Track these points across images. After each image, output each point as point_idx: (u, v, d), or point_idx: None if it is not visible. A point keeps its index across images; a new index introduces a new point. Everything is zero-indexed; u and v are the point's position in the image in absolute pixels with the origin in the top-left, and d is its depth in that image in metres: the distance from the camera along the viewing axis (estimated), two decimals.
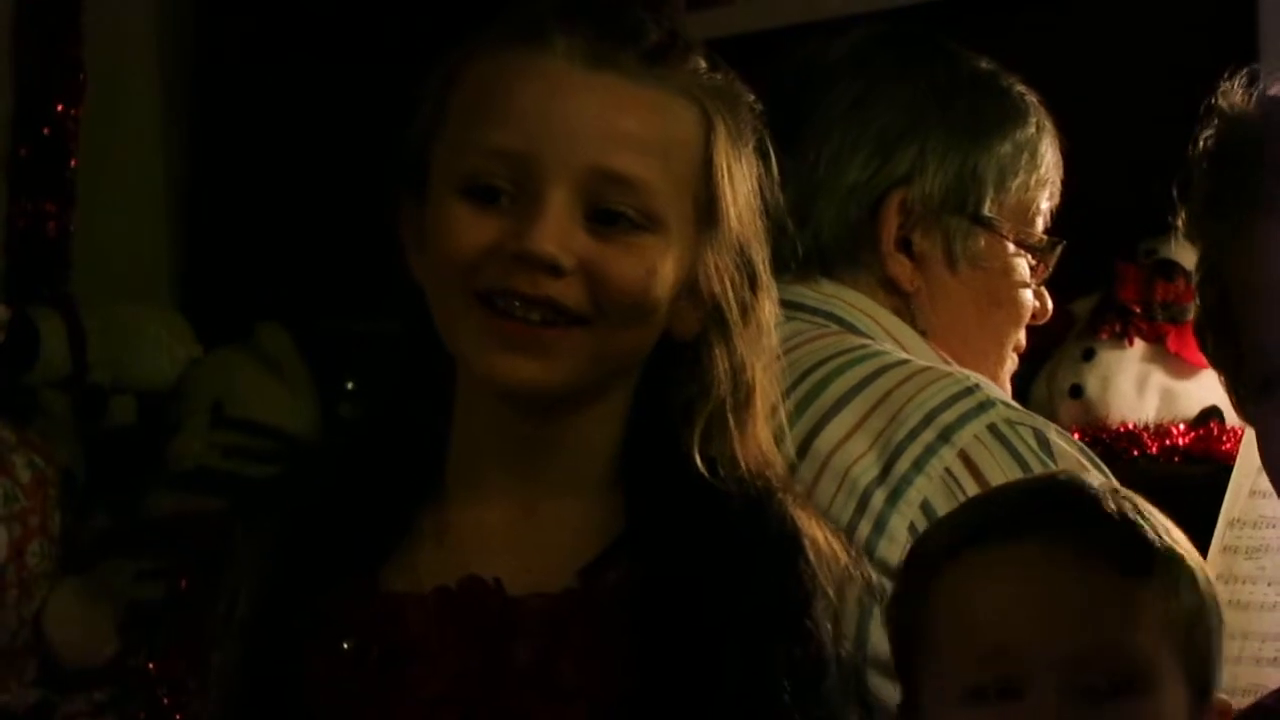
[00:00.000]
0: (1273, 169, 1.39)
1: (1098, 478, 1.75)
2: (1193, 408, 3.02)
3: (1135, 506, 1.68)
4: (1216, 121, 1.44)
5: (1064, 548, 1.63)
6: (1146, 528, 1.66)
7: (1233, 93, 1.43)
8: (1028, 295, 2.42)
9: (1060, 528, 1.64)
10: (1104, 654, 1.60)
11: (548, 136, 1.72)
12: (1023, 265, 2.40)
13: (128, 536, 3.96)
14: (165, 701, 3.32)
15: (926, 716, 1.66)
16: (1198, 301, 1.48)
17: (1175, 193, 1.47)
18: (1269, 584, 2.61)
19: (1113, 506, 1.66)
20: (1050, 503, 1.69)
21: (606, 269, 1.71)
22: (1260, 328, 1.39)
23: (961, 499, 1.94)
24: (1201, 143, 1.45)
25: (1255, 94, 1.42)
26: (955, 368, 2.23)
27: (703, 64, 1.81)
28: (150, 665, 3.38)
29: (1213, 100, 1.44)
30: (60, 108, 4.58)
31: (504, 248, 1.70)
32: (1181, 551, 1.67)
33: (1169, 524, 1.70)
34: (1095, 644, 1.60)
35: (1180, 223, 1.48)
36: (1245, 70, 1.45)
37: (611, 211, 1.72)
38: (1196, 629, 1.65)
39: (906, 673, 1.69)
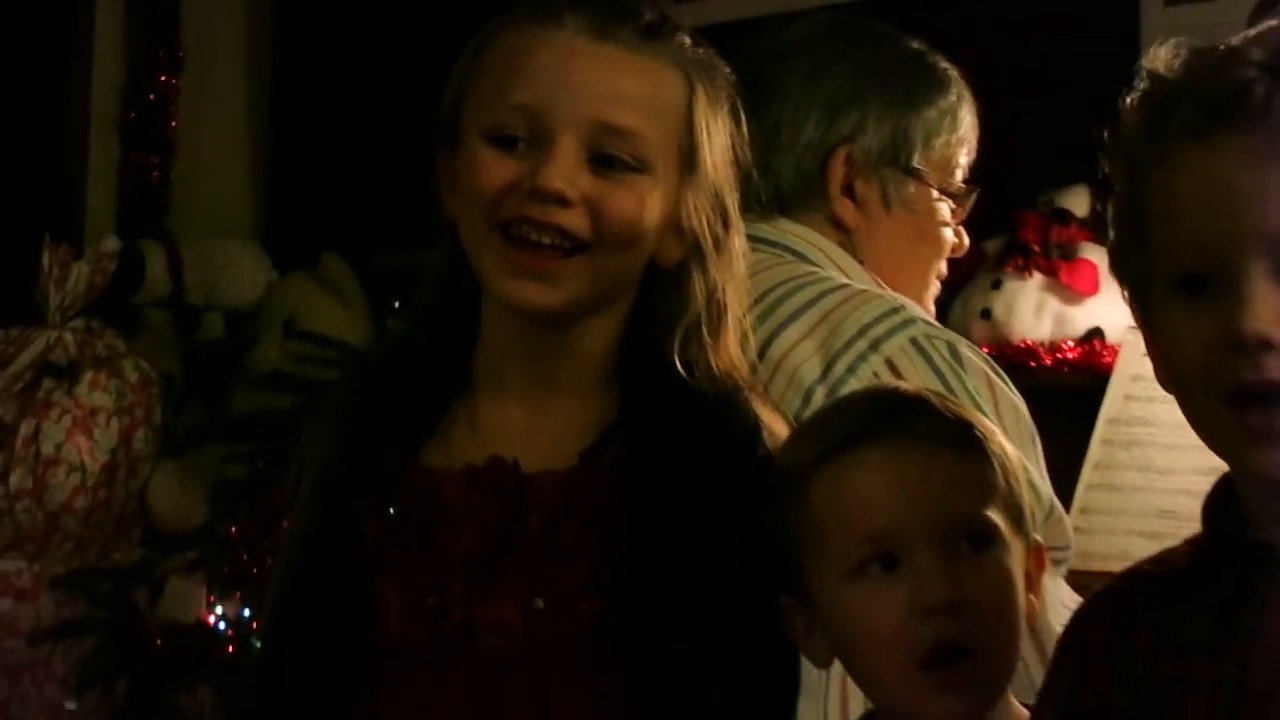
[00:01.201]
0: (1190, 106, 1.36)
1: (910, 386, 1.79)
2: (1080, 328, 3.03)
3: (956, 404, 1.72)
4: (1145, 75, 1.41)
5: (914, 440, 1.63)
6: (961, 415, 1.68)
7: (1157, 54, 1.40)
8: (948, 233, 2.42)
9: (908, 425, 1.65)
10: (963, 517, 1.61)
11: (559, 94, 1.72)
12: (944, 209, 2.40)
13: (216, 428, 3.97)
14: (244, 559, 3.33)
15: (816, 601, 1.65)
16: (1113, 225, 1.46)
17: (1105, 134, 1.44)
18: (1138, 470, 2.61)
19: (938, 404, 1.68)
20: (897, 408, 1.69)
21: (605, 202, 1.71)
22: (1178, 233, 1.36)
23: None
24: (1132, 92, 1.42)
25: (1180, 53, 1.40)
26: (886, 291, 2.24)
27: (687, 40, 1.81)
28: (232, 531, 3.38)
29: (1140, 63, 1.42)
30: (162, 78, 4.60)
31: (522, 184, 1.69)
32: (989, 430, 1.69)
33: (971, 410, 1.75)
34: (956, 510, 1.61)
35: (1108, 158, 1.43)
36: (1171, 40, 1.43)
37: (610, 156, 1.72)
38: (1011, 488, 1.66)
39: (791, 569, 1.67)
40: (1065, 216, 3.02)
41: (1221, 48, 1.40)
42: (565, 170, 1.69)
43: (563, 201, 1.69)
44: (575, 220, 1.70)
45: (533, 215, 1.69)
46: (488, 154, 1.73)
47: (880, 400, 1.75)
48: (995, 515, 1.62)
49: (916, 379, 2.03)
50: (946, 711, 1.60)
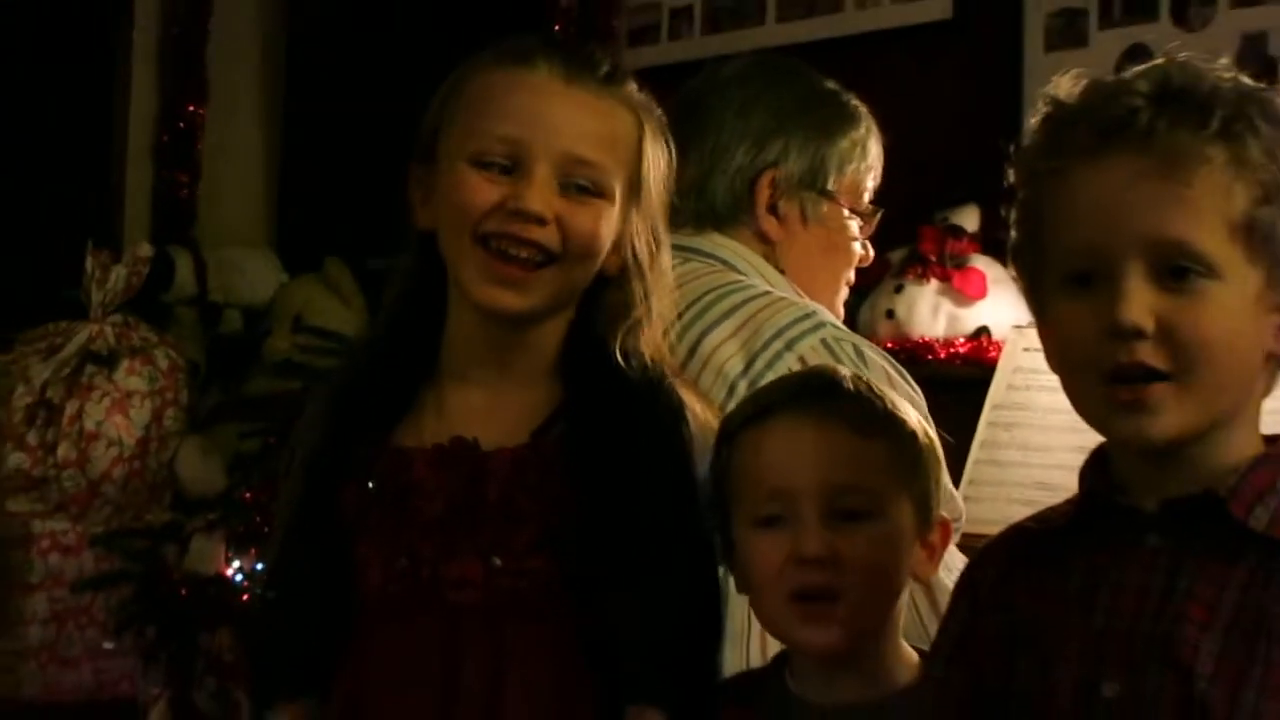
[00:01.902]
0: (1085, 128, 1.37)
1: (848, 371, 1.74)
2: (969, 327, 3.03)
3: (870, 388, 1.69)
4: (1049, 100, 1.43)
5: (816, 417, 1.63)
6: (876, 401, 1.66)
7: (1060, 83, 1.41)
8: (857, 246, 2.41)
9: (813, 404, 1.65)
10: (846, 487, 1.60)
11: (536, 130, 1.72)
12: (854, 225, 2.39)
13: (234, 408, 3.95)
14: (258, 520, 3.32)
15: (736, 542, 1.66)
16: (1014, 227, 1.46)
17: (1011, 151, 1.45)
18: (1018, 449, 2.63)
19: (851, 388, 1.67)
20: (808, 388, 1.70)
21: (572, 220, 1.71)
22: (1069, 236, 1.37)
23: None
24: (1035, 118, 1.43)
25: (1079, 83, 1.40)
26: (802, 298, 2.23)
27: (635, 86, 1.82)
28: (248, 496, 3.37)
29: (1044, 90, 1.43)
30: (190, 108, 4.60)
31: (505, 204, 1.70)
32: (905, 417, 1.67)
33: (899, 400, 1.71)
34: (839, 480, 1.60)
35: (1011, 173, 1.45)
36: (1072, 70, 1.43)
37: (577, 183, 1.73)
38: (919, 468, 1.65)
39: (723, 514, 1.68)
40: (958, 231, 3.02)
41: (1113, 79, 1.41)
42: (542, 194, 1.70)
43: (540, 221, 1.69)
44: (548, 236, 1.70)
45: (513, 231, 1.69)
46: (473, 177, 1.72)
47: (799, 380, 1.76)
48: (882, 488, 1.62)
49: None
50: (811, 639, 1.60)
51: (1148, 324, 1.32)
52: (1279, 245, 1.34)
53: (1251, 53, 3.10)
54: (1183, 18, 3.22)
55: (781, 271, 2.29)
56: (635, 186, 1.78)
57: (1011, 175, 1.45)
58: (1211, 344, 1.32)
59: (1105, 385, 1.34)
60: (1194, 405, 1.33)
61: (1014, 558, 1.48)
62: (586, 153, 1.73)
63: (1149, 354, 1.32)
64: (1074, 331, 1.37)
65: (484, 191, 1.71)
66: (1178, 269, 1.32)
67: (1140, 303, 1.32)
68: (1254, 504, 1.34)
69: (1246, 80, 1.38)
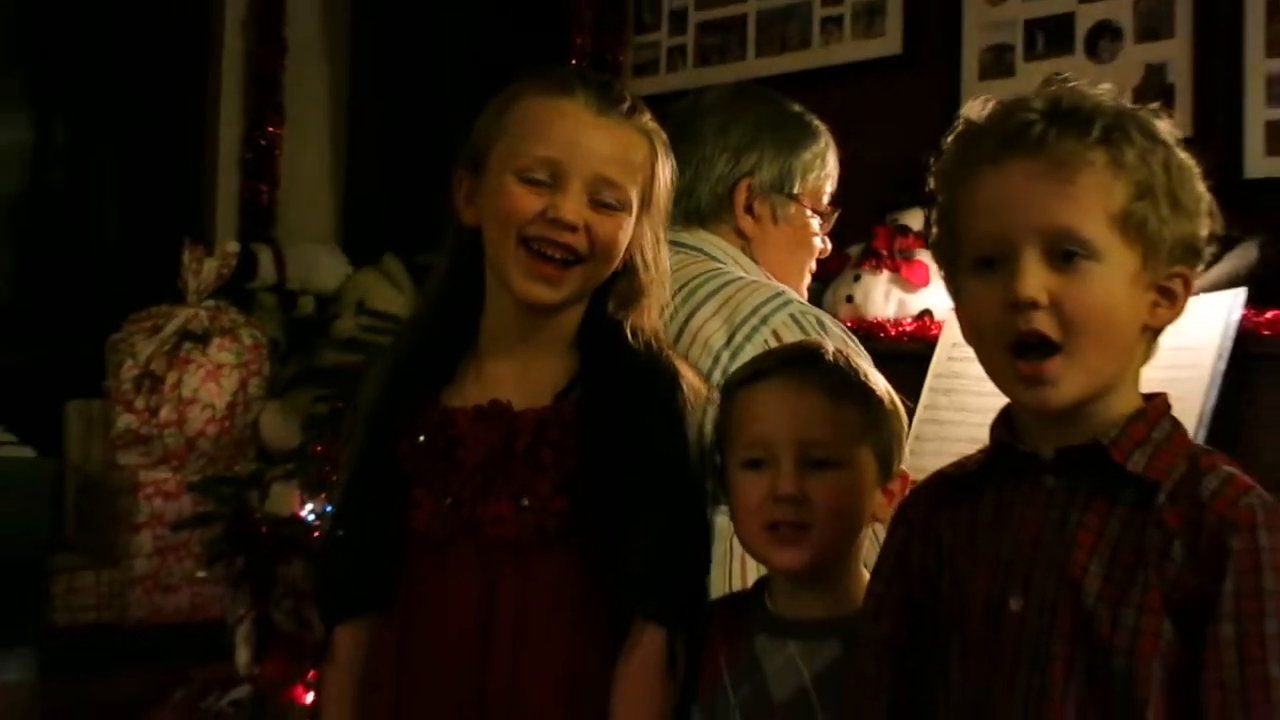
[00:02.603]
0: (989, 140, 1.39)
1: (831, 344, 1.74)
2: (915, 309, 3.04)
3: (847, 361, 1.69)
4: (962, 119, 1.44)
5: (795, 381, 1.65)
6: (850, 372, 1.66)
7: (972, 105, 1.43)
8: (818, 241, 2.42)
9: (795, 371, 1.66)
10: (816, 441, 1.62)
11: (573, 153, 1.73)
12: (815, 223, 2.40)
13: (307, 377, 3.93)
14: (327, 470, 3.31)
15: (728, 480, 1.68)
16: (935, 224, 1.47)
17: (931, 162, 1.46)
18: (955, 410, 2.61)
19: (830, 360, 1.67)
20: (794, 357, 1.71)
21: (598, 229, 1.72)
22: (977, 228, 1.39)
23: None
24: (950, 135, 1.45)
25: (987, 104, 1.42)
26: (772, 282, 2.23)
27: (649, 115, 1.82)
28: (318, 450, 3.36)
29: (958, 113, 1.45)
30: (269, 129, 4.58)
31: (545, 213, 1.70)
32: (873, 386, 1.67)
33: (872, 371, 1.71)
34: (811, 435, 1.62)
35: (931, 180, 1.47)
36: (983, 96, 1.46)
37: (605, 201, 1.74)
38: (883, 428, 1.66)
39: (721, 455, 1.70)
40: (905, 230, 3.02)
41: (1013, 99, 1.42)
42: (576, 207, 1.70)
43: (572, 228, 1.70)
44: (579, 241, 1.71)
45: (551, 236, 1.70)
46: (518, 188, 1.72)
47: (788, 351, 1.77)
48: (850, 438, 1.62)
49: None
50: (782, 560, 1.62)
51: (1042, 298, 1.33)
52: (1151, 233, 1.36)
53: (1153, 80, 3.11)
54: (1094, 51, 3.22)
55: (756, 261, 2.30)
56: (647, 200, 1.78)
57: (932, 182, 1.47)
58: (1094, 314, 1.34)
59: (1010, 357, 1.36)
60: (1083, 374, 1.35)
61: (939, 497, 1.49)
62: (612, 174, 1.73)
63: (1042, 323, 1.34)
64: (982, 306, 1.38)
65: (528, 201, 1.71)
66: (1066, 253, 1.34)
67: (1035, 280, 1.34)
68: (1132, 451, 1.36)
69: (1125, 102, 1.40)
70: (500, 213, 1.74)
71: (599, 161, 1.73)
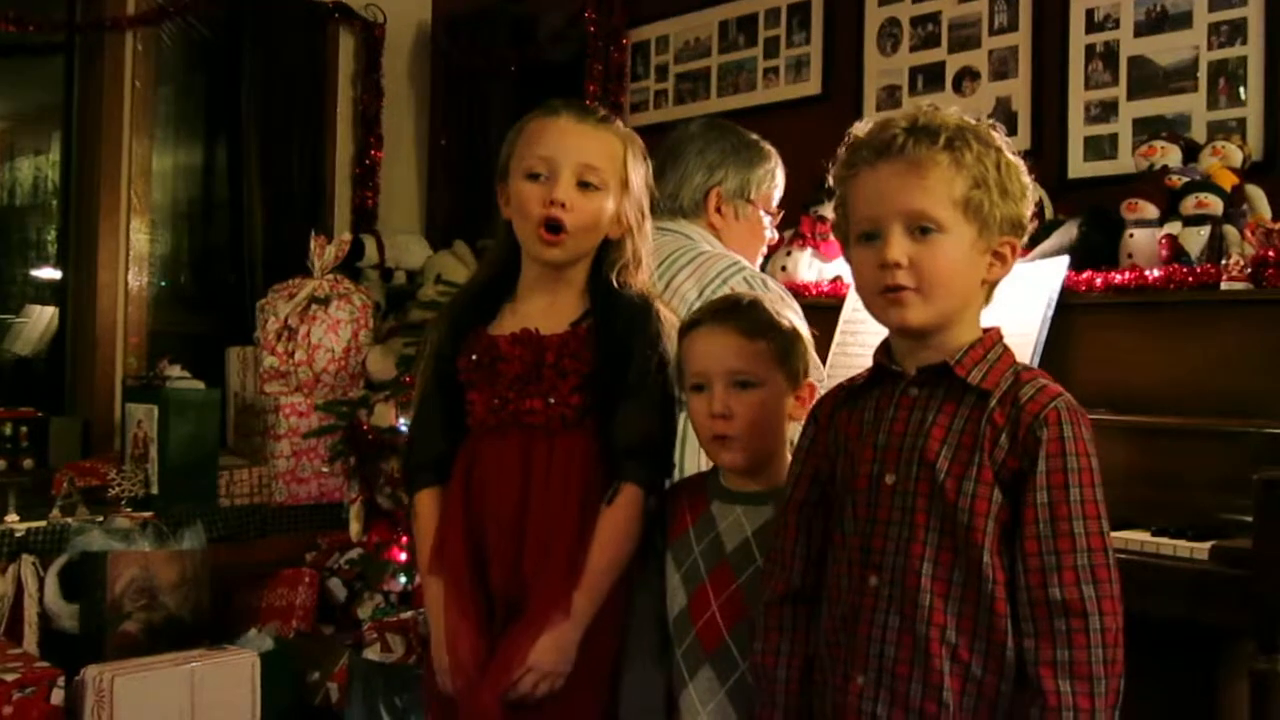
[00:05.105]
0: (866, 149, 1.40)
1: (748, 295, 1.72)
2: (829, 275, 3.02)
3: (759, 305, 1.67)
4: (849, 137, 1.44)
5: (722, 325, 1.65)
6: (762, 314, 1.65)
7: (860, 126, 1.44)
8: (768, 232, 2.42)
9: (721, 317, 1.65)
10: (739, 370, 1.62)
11: (561, 151, 1.72)
12: (766, 220, 2.39)
13: (400, 329, 3.90)
14: (414, 393, 3.30)
15: (686, 399, 1.68)
16: (834, 211, 1.47)
17: (830, 166, 1.47)
18: (859, 346, 2.64)
19: (746, 306, 1.67)
20: (720, 307, 1.69)
21: (585, 207, 1.72)
22: (859, 212, 1.39)
23: None
24: (842, 146, 1.44)
25: (869, 124, 1.43)
26: (734, 254, 2.22)
27: (620, 123, 1.81)
28: (407, 379, 3.37)
29: (849, 131, 1.45)
30: (372, 153, 4.54)
31: (544, 199, 1.71)
32: (782, 324, 1.65)
33: (782, 310, 1.69)
34: (734, 366, 1.62)
35: (830, 181, 1.46)
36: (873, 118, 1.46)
37: (587, 182, 1.72)
38: (791, 354, 1.65)
39: (680, 382, 1.70)
40: (823, 219, 2.99)
41: (884, 118, 1.41)
42: (566, 191, 1.70)
43: (563, 207, 1.70)
44: (569, 217, 1.70)
45: (550, 215, 1.70)
46: (527, 186, 1.73)
47: (717, 302, 1.76)
48: (761, 369, 1.62)
49: None
50: (722, 459, 1.65)
51: (904, 260, 1.34)
52: (985, 213, 1.35)
53: (1001, 109, 3.09)
54: (959, 88, 3.19)
55: (723, 245, 2.29)
56: (624, 183, 1.76)
57: (831, 180, 1.46)
58: (941, 271, 1.35)
59: (881, 298, 1.37)
60: (931, 308, 1.35)
61: (837, 402, 1.50)
62: (592, 162, 1.72)
63: (904, 278, 1.34)
64: (864, 267, 1.39)
65: (535, 193, 1.72)
66: (922, 228, 1.34)
67: (899, 247, 1.34)
68: (971, 368, 1.37)
69: (969, 119, 1.39)
70: (519, 208, 1.74)
71: (581, 154, 1.72)
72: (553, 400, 1.70)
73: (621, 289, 1.75)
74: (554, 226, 1.71)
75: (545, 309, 1.76)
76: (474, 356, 1.75)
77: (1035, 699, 1.27)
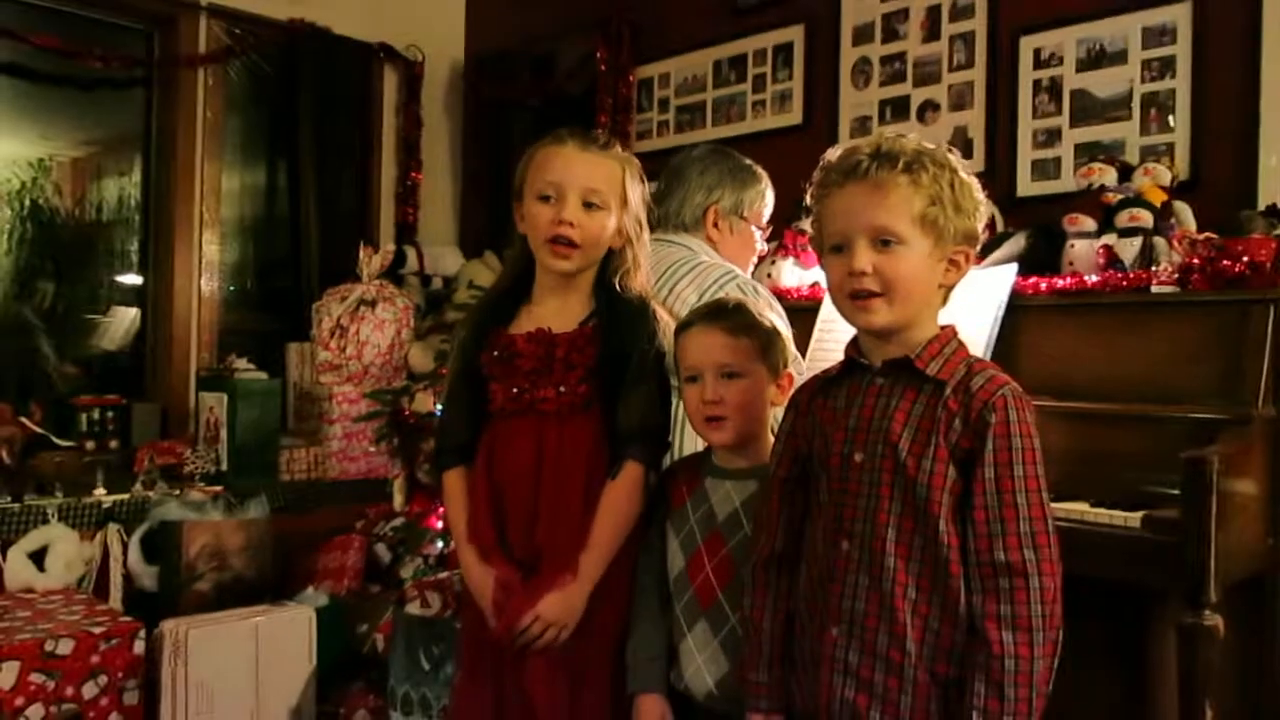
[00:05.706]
0: (836, 172, 1.39)
1: (741, 297, 1.72)
2: (809, 281, 3.00)
3: (743, 307, 1.66)
4: (823, 162, 1.43)
5: (710, 325, 1.64)
6: (745, 315, 1.64)
7: (833, 151, 1.43)
8: (759, 245, 2.40)
9: (710, 318, 1.65)
10: (726, 364, 1.61)
11: (568, 176, 1.70)
12: (758, 234, 2.37)
13: (437, 328, 3.89)
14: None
15: (682, 389, 1.66)
16: (811, 227, 1.47)
17: (807, 187, 1.46)
18: (833, 343, 2.60)
19: (731, 308, 1.66)
20: (709, 309, 1.68)
21: (590, 224, 1.70)
22: (831, 227, 1.39)
23: None
24: (817, 170, 1.44)
25: (840, 150, 1.42)
26: (730, 264, 2.21)
27: (620, 148, 1.79)
28: (442, 371, 3.35)
29: (823, 157, 1.45)
30: (413, 175, 4.51)
31: (554, 219, 1.69)
32: (763, 324, 1.65)
33: (764, 311, 1.68)
34: (722, 360, 1.61)
35: (808, 201, 1.46)
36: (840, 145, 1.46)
37: (591, 203, 1.71)
38: (771, 350, 1.64)
39: (677, 374, 1.69)
40: (803, 232, 2.96)
41: (851, 145, 1.41)
42: (573, 212, 1.69)
43: (571, 225, 1.69)
44: (576, 234, 1.70)
45: (560, 232, 1.69)
46: (538, 206, 1.71)
47: (706, 305, 1.75)
48: (745, 363, 1.61)
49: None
50: (713, 439, 1.64)
51: (869, 268, 1.34)
52: (941, 227, 1.35)
53: (959, 136, 3.08)
54: (922, 119, 3.18)
55: (719, 255, 2.27)
56: (623, 201, 1.74)
57: (808, 199, 1.46)
58: (902, 279, 1.35)
59: (849, 300, 1.37)
60: (894, 311, 1.35)
61: (814, 390, 1.50)
62: (595, 185, 1.71)
63: (870, 284, 1.34)
64: (835, 274, 1.39)
65: (545, 214, 1.70)
66: (884, 240, 1.34)
67: (864, 258, 1.34)
68: (930, 361, 1.37)
69: (927, 144, 1.39)
70: (533, 226, 1.73)
71: (585, 179, 1.71)
72: (563, 389, 1.69)
73: (623, 292, 1.74)
74: (563, 242, 1.70)
75: (556, 310, 1.75)
76: (495, 352, 1.74)
77: (982, 648, 1.28)
